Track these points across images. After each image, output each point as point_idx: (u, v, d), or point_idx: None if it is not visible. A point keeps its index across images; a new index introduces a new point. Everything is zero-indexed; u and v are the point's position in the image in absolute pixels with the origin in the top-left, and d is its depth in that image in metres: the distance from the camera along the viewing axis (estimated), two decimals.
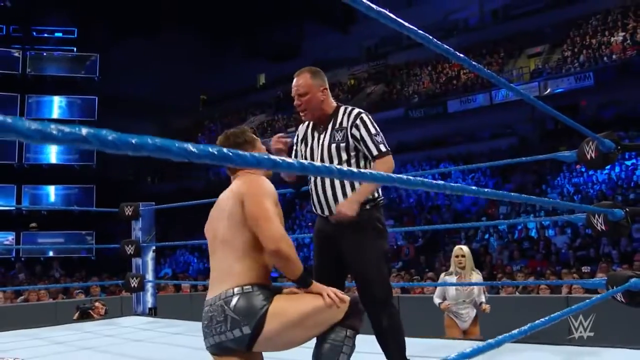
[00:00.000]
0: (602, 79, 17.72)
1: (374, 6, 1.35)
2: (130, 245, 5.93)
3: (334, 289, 2.19)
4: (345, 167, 2.52)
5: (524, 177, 17.45)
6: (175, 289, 10.81)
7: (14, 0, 22.99)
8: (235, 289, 2.11)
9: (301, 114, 2.78)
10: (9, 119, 0.59)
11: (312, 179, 2.77)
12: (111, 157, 24.07)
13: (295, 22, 30.09)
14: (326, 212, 2.73)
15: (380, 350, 2.63)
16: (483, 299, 5.30)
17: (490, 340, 1.33)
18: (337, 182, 2.70)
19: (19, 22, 23.97)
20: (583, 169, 15.71)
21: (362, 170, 1.15)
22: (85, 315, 6.18)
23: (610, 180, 15.28)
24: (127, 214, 6.02)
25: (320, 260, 2.79)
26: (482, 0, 24.98)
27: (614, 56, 17.93)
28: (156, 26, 25.79)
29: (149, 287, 5.98)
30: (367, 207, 2.65)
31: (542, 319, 1.62)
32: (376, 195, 2.72)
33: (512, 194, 1.82)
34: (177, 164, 26.04)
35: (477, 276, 5.41)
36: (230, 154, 0.77)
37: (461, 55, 1.86)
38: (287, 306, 2.11)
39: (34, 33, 24.59)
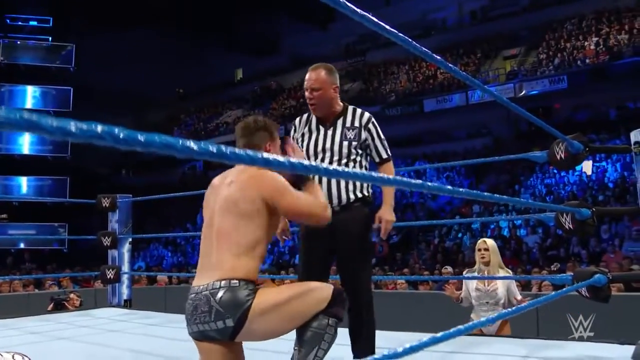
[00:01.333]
0: (576, 82, 18.06)
1: (350, 5, 1.36)
2: (107, 237, 5.94)
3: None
4: (351, 165, 2.78)
5: (497, 177, 17.72)
6: (149, 281, 10.80)
7: None
8: (223, 282, 2.13)
9: (311, 107, 2.86)
10: (34, 117, 0.66)
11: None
12: (86, 149, 23.82)
13: (275, 18, 30.06)
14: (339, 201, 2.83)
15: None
16: (519, 297, 4.52)
17: (438, 334, 1.34)
18: (334, 181, 2.79)
19: None
20: (555, 171, 16.02)
21: (346, 169, 1.20)
22: (59, 306, 6.18)
23: (581, 182, 15.61)
24: (104, 205, 6.03)
25: (310, 254, 2.85)
26: (461, 1, 25.24)
27: (587, 60, 18.29)
28: (134, 18, 25.51)
29: (125, 278, 6.00)
30: (358, 203, 2.80)
31: (503, 311, 1.72)
32: (365, 193, 2.84)
33: (486, 193, 1.88)
34: (152, 158, 25.88)
35: (504, 274, 4.59)
36: (228, 152, 0.85)
37: (437, 56, 1.91)
38: (271, 299, 2.15)
39: (8, 21, 24.11)
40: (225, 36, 30.81)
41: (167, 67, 28.40)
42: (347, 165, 2.79)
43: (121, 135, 0.74)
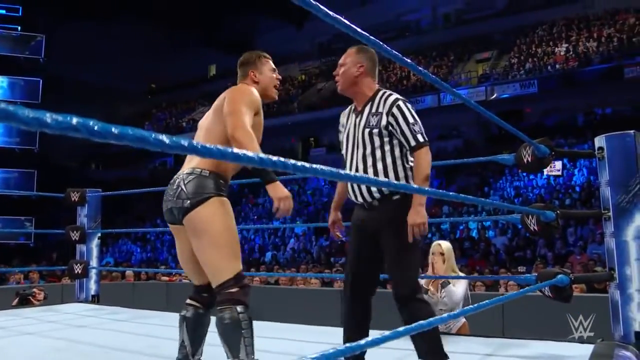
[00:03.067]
0: (546, 87, 18.39)
1: (322, 7, 1.38)
2: (75, 232, 5.86)
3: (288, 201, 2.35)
4: (378, 155, 2.65)
5: (467, 179, 17.93)
6: (120, 276, 10.70)
7: None
8: (195, 170, 2.46)
9: (336, 82, 2.84)
10: (10, 108, 0.67)
11: (347, 163, 2.76)
12: (55, 141, 23.45)
13: (250, 15, 29.95)
14: (359, 199, 2.75)
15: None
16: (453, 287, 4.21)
17: (384, 334, 1.33)
18: (370, 169, 2.66)
19: None
20: (524, 174, 16.28)
21: (311, 165, 1.19)
22: (24, 301, 6.09)
23: (549, 185, 15.91)
24: (73, 199, 5.95)
25: (358, 251, 2.77)
26: (435, 4, 25.47)
27: (557, 66, 18.62)
28: (108, 10, 25.19)
29: (93, 274, 5.94)
30: (398, 196, 2.63)
31: (466, 308, 1.77)
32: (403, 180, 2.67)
33: (454, 194, 1.92)
34: (123, 152, 25.58)
35: (459, 282, 4.27)
36: (199, 146, 0.87)
37: (408, 59, 1.94)
38: (222, 212, 2.42)
39: None
40: (200, 32, 30.63)
41: (140, 62, 28.12)
42: (373, 154, 2.65)
43: (95, 128, 0.75)
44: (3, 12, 23.96)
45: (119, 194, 6.49)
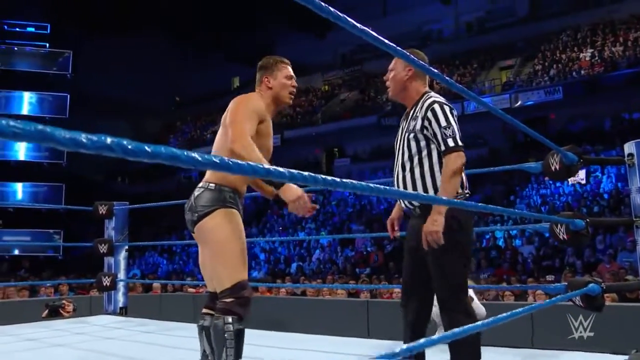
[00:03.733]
0: (571, 93, 18.17)
1: (349, 18, 1.38)
2: (103, 244, 5.94)
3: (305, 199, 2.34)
4: (415, 160, 2.59)
5: (493, 188, 17.75)
6: (144, 289, 10.78)
7: None
8: (204, 184, 2.60)
9: (387, 87, 2.82)
10: (47, 129, 0.69)
11: (395, 172, 2.71)
12: (82, 156, 23.76)
13: (273, 26, 30.15)
14: (403, 206, 2.72)
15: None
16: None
17: (416, 342, 1.32)
18: (408, 174, 2.61)
19: None
20: (550, 181, 16.08)
21: (362, 183, 1.17)
22: (54, 313, 6.17)
23: (576, 193, 15.67)
24: (100, 212, 6.04)
25: (407, 259, 2.74)
26: (457, 13, 25.39)
27: (582, 71, 18.41)
28: (132, 25, 25.57)
29: (121, 286, 6.00)
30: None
31: (486, 321, 1.75)
32: (458, 190, 2.57)
33: (479, 204, 1.91)
34: (149, 165, 25.86)
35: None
36: (230, 163, 0.88)
37: (432, 67, 1.94)
38: (225, 222, 2.50)
39: (6, 27, 24.15)
40: (223, 45, 30.88)
41: (164, 75, 28.46)
42: (411, 160, 2.59)
43: (129, 147, 0.77)
44: (32, 29, 24.55)
45: (146, 207, 6.55)
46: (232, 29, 29.51)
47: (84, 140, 0.72)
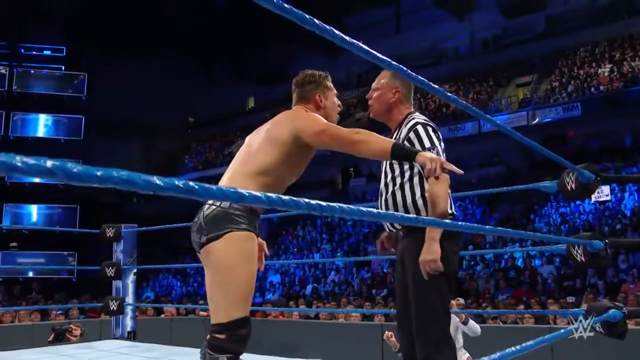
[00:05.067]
0: (590, 109, 17.97)
1: (347, 38, 1.38)
2: (110, 268, 5.88)
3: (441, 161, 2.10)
4: (399, 181, 2.51)
5: (511, 206, 17.54)
6: (157, 312, 10.70)
7: (2, 17, 22.95)
8: (215, 202, 2.25)
9: (369, 105, 2.74)
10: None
11: (379, 194, 2.65)
12: None
13: (285, 46, 30.32)
14: (386, 229, 2.64)
15: None
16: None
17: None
18: (390, 197, 2.53)
19: (7, 39, 23.96)
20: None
21: (353, 207, 1.09)
22: (60, 337, 6.11)
23: (597, 211, 15.40)
24: (108, 235, 5.99)
25: (397, 285, 2.65)
26: (473, 29, 25.35)
27: (601, 87, 18.22)
28: (146, 47, 25.86)
29: (129, 310, 5.93)
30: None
31: (512, 349, 1.64)
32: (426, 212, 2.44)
33: (495, 227, 1.82)
34: None
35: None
36: (196, 187, 0.79)
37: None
38: (236, 250, 2.22)
39: (22, 50, 24.59)
40: (237, 65, 31.09)
41: (179, 96, 28.66)
42: (393, 181, 2.53)
43: (74, 170, 0.69)
44: (48, 52, 24.95)
45: (155, 229, 6.50)
46: (246, 48, 29.73)
47: (19, 164, 0.64)
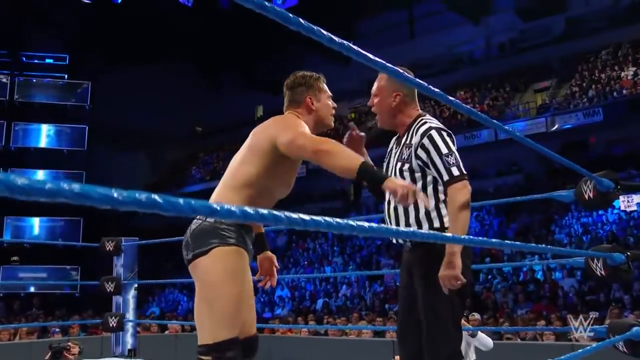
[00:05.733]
0: (612, 114, 17.80)
1: (354, 47, 1.37)
2: (110, 283, 5.86)
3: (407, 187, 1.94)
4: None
5: (530, 216, 17.38)
6: (161, 328, 10.67)
7: (3, 24, 23.10)
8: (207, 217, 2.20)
9: (374, 114, 2.68)
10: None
11: (385, 204, 2.58)
12: None
13: (295, 53, 30.37)
14: (394, 241, 2.59)
15: None
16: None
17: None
18: (401, 211, 2.47)
19: (8, 47, 24.07)
20: None
21: (340, 221, 1.04)
22: (57, 355, 6.07)
23: (621, 221, 15.19)
24: (108, 249, 5.97)
25: (401, 297, 2.62)
26: (489, 33, 25.24)
27: (624, 91, 18.05)
28: (152, 55, 25.96)
29: (129, 326, 5.90)
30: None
31: None
32: (437, 224, 2.39)
33: (510, 242, 1.78)
34: None
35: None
36: (160, 200, 0.74)
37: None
38: (222, 266, 2.19)
39: (24, 59, 24.70)
40: (245, 73, 31.17)
41: (185, 105, 28.75)
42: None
43: (19, 183, 0.65)
44: (51, 60, 25.05)
45: (157, 242, 6.47)
46: (254, 56, 29.82)
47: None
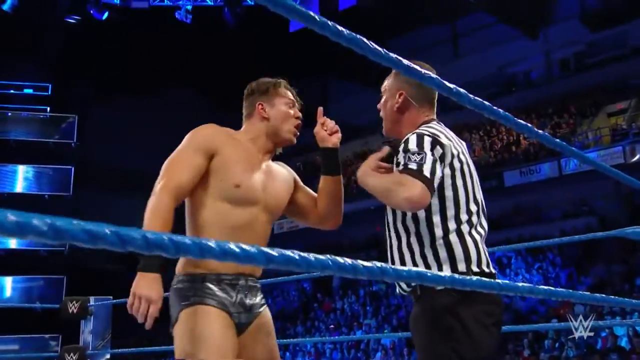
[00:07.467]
0: None
1: (405, 61, 1.47)
2: (72, 354, 5.44)
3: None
4: (399, 215, 2.40)
5: (607, 268, 16.89)
6: None
7: None
8: (174, 279, 2.38)
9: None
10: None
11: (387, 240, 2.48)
12: None
13: (318, 81, 30.41)
14: (400, 288, 2.43)
15: None
16: None
17: None
18: (395, 247, 2.40)
19: None
20: None
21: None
22: None
23: None
24: (70, 311, 5.58)
25: None
26: (549, 49, 25.12)
27: None
28: (148, 82, 26.03)
29: None
30: (436, 288, 2.19)
31: None
32: (462, 267, 2.29)
33: (585, 293, 1.82)
34: None
35: None
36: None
37: (505, 113, 1.88)
38: (187, 329, 2.24)
39: None
40: None
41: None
42: (404, 220, 2.32)
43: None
44: (30, 91, 25.19)
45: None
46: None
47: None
